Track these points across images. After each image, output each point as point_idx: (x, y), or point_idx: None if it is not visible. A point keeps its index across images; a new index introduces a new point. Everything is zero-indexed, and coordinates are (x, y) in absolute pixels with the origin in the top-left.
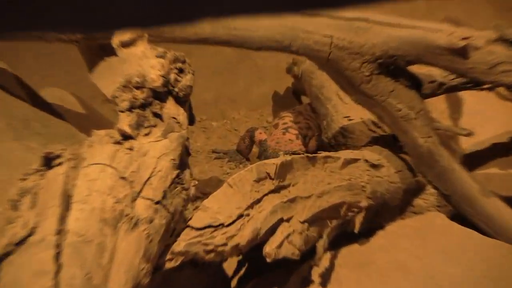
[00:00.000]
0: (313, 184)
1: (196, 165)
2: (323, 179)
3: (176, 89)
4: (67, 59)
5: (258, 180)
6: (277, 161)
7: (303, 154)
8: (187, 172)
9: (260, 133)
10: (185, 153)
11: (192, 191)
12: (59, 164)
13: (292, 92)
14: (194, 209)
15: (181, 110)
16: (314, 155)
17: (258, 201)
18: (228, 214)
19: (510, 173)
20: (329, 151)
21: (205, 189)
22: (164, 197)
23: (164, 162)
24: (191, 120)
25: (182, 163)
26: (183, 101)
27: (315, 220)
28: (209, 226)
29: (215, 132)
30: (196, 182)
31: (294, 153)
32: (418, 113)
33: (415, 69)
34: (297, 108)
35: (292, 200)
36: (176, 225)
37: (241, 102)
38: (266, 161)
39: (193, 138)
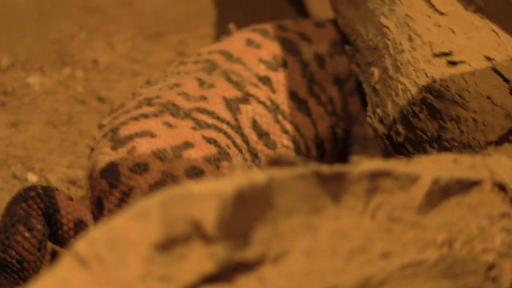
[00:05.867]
0: (334, 256)
1: None
2: (367, 240)
3: None
4: None
5: (164, 246)
6: (224, 186)
7: (299, 163)
8: None
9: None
10: None
11: None
12: None
13: None
14: None
15: None
16: (337, 170)
17: None
18: None
19: None
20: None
21: None
22: None
23: None
24: None
25: None
26: None
27: None
28: None
29: None
30: None
31: (276, 160)
32: None
33: None
34: (270, 26)
35: None
36: None
37: None
38: (187, 187)
39: None
